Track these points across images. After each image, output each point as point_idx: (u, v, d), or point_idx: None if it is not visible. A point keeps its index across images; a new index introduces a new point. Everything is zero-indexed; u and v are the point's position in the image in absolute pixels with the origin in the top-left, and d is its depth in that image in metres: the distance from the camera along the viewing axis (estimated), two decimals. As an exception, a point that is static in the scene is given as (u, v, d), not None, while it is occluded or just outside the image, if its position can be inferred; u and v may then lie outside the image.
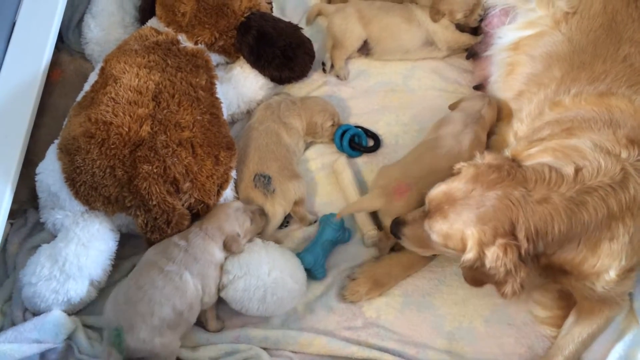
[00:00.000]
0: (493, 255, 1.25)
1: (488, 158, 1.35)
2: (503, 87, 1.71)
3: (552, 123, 1.47)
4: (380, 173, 1.63)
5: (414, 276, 1.59)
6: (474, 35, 1.89)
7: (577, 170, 1.30)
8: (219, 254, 1.43)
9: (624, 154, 1.34)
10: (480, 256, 1.27)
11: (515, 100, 1.66)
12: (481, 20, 1.86)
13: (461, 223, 1.29)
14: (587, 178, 1.30)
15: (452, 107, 1.76)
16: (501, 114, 1.73)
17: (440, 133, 1.66)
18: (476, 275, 1.33)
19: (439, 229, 1.33)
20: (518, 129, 1.58)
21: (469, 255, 1.28)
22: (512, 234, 1.25)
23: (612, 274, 1.32)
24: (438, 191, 1.36)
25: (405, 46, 1.89)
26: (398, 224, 1.46)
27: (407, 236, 1.44)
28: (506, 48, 1.72)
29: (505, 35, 1.74)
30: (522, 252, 1.25)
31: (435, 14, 1.86)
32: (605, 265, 1.31)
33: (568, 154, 1.34)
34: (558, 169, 1.30)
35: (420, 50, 1.90)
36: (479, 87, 1.84)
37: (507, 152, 1.46)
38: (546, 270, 1.33)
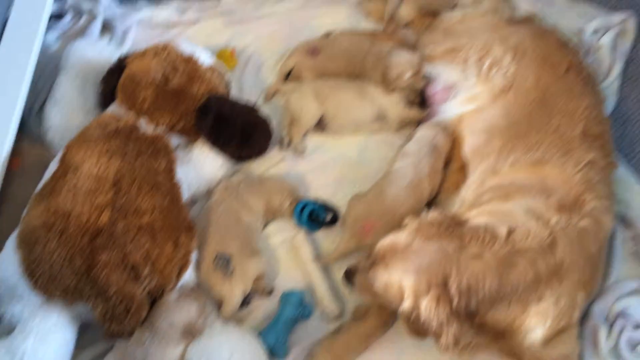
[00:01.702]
0: (426, 306, 1.31)
1: (432, 214, 1.43)
2: (450, 158, 1.80)
3: (492, 189, 1.57)
4: (347, 210, 1.73)
5: (374, 349, 1.61)
6: (421, 110, 1.99)
7: (510, 231, 1.39)
8: (178, 350, 1.43)
9: (553, 220, 1.43)
10: (416, 306, 1.33)
11: (461, 171, 1.74)
12: (426, 87, 1.97)
13: (400, 273, 1.36)
14: (517, 240, 1.38)
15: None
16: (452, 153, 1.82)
17: (398, 166, 1.77)
18: (416, 327, 1.37)
19: (380, 279, 1.40)
20: (465, 195, 1.66)
21: (406, 304, 1.34)
22: (446, 286, 1.31)
23: (539, 334, 1.38)
24: (384, 242, 1.43)
25: (359, 121, 1.97)
26: (349, 273, 1.52)
27: (358, 284, 1.50)
28: (450, 122, 1.82)
29: (449, 110, 1.85)
30: (454, 305, 1.30)
31: (389, 83, 1.95)
32: (532, 325, 1.38)
33: (502, 217, 1.43)
34: (492, 229, 1.38)
35: (373, 124, 1.98)
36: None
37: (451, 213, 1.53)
38: (482, 330, 1.37)
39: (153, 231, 1.50)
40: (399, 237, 1.41)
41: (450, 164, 1.80)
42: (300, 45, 2.10)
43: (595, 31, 2.19)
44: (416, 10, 2.17)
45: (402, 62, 1.95)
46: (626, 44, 2.18)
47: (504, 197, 1.49)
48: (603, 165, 1.63)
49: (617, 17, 2.22)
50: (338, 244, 1.72)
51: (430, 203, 1.81)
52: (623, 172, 1.91)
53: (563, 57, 1.80)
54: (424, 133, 1.83)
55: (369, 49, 2.06)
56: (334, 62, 2.06)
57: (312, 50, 2.08)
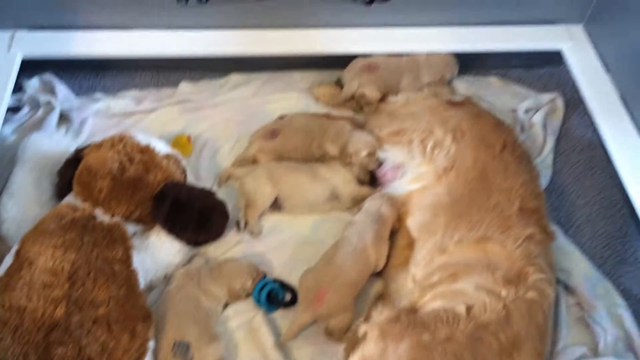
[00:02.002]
0: None
1: (384, 313, 1.46)
2: (400, 234, 1.87)
3: (440, 268, 1.63)
4: (299, 284, 1.78)
5: None
6: (372, 188, 2.08)
7: (468, 308, 1.45)
8: None
9: (503, 293, 1.51)
10: None
11: (410, 247, 1.81)
12: (379, 167, 2.07)
13: None
14: (477, 315, 1.44)
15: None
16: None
17: (345, 234, 1.85)
18: None
19: None
20: (415, 273, 1.72)
21: None
22: None
23: None
24: None
25: (313, 201, 2.05)
26: None
27: None
28: (399, 200, 1.91)
29: (398, 189, 1.95)
30: None
31: (345, 157, 2.05)
32: None
33: (456, 297, 1.50)
34: (451, 310, 1.44)
35: (327, 204, 2.06)
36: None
37: (404, 302, 1.58)
38: None
39: (109, 322, 1.50)
40: (368, 351, 1.41)
41: (399, 241, 1.87)
42: (257, 132, 2.20)
43: (527, 110, 2.38)
44: (380, 90, 2.31)
45: (361, 141, 2.06)
46: (556, 121, 2.37)
47: (453, 277, 1.56)
48: (541, 239, 1.73)
49: (546, 97, 2.42)
50: (294, 319, 1.74)
51: (380, 273, 1.88)
52: (563, 242, 2.03)
53: (498, 137, 1.93)
54: (370, 203, 1.92)
55: (327, 125, 2.17)
56: (293, 139, 2.15)
57: (271, 132, 2.17)
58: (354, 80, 2.31)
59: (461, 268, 1.59)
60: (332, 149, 2.10)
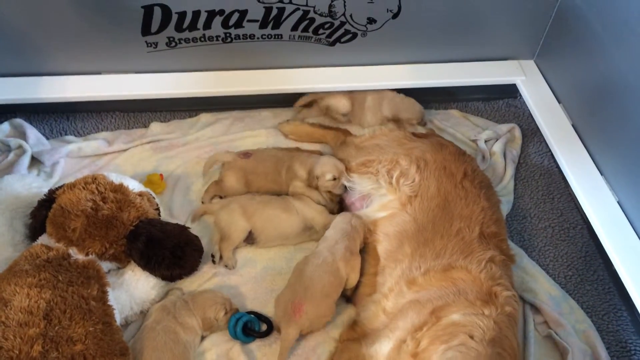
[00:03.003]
0: None
1: None
2: (367, 261, 1.93)
3: (414, 303, 1.67)
4: (276, 303, 1.83)
5: None
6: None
7: (471, 335, 1.51)
8: None
9: (486, 312, 1.56)
10: None
11: (379, 275, 1.86)
12: (345, 192, 2.15)
13: None
14: (482, 337, 1.50)
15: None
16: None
17: (317, 249, 1.92)
18: None
19: None
20: (385, 305, 1.76)
21: None
22: None
23: None
24: None
25: (286, 233, 2.10)
26: None
27: None
28: (368, 230, 1.97)
29: (366, 217, 2.01)
30: None
31: (311, 180, 2.11)
32: None
33: (452, 332, 1.53)
34: (461, 344, 1.48)
35: (299, 235, 2.11)
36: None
37: (407, 351, 1.57)
38: None
39: (86, 358, 1.50)
40: None
41: (369, 269, 1.92)
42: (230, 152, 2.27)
43: (487, 140, 2.50)
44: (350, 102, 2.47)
45: (328, 164, 2.14)
46: (515, 149, 2.49)
47: (435, 316, 1.59)
48: (501, 260, 1.81)
49: (504, 127, 2.55)
50: (282, 339, 1.78)
51: (351, 300, 1.93)
52: (527, 264, 2.11)
53: (459, 166, 2.02)
54: (340, 219, 2.01)
55: (297, 153, 2.27)
56: (264, 164, 2.22)
57: (244, 153, 2.25)
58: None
59: (436, 302, 1.63)
60: (300, 171, 2.17)
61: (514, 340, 1.60)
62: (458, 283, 1.67)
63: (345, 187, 2.15)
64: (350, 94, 2.49)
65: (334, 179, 2.11)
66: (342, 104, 2.48)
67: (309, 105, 2.56)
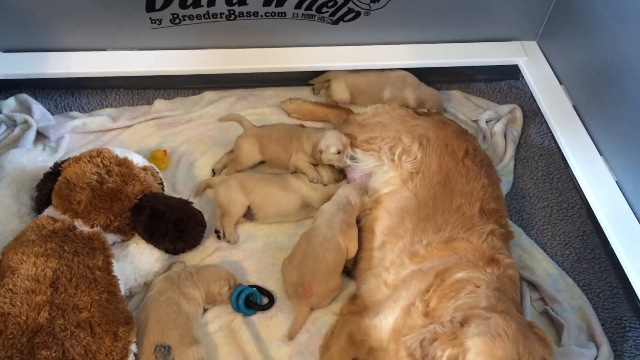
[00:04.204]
0: None
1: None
2: (369, 237, 1.95)
3: (416, 273, 1.70)
4: (284, 278, 1.89)
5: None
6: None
7: (477, 285, 1.55)
8: None
9: (489, 271, 1.60)
10: None
11: (380, 250, 1.89)
12: (348, 172, 2.17)
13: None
14: (488, 285, 1.56)
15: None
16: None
17: (316, 224, 1.96)
18: None
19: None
20: (387, 278, 1.79)
21: None
22: None
23: None
24: None
25: (285, 210, 2.12)
26: None
27: None
28: (368, 204, 2.00)
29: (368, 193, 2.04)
30: None
31: (316, 153, 2.13)
32: None
33: (459, 287, 1.57)
34: (470, 294, 1.53)
35: (298, 213, 2.14)
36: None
37: (418, 312, 1.58)
38: None
39: (91, 326, 1.54)
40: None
41: (368, 244, 1.94)
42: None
43: (488, 120, 2.51)
44: (348, 89, 2.49)
45: (332, 137, 2.16)
46: (516, 130, 2.50)
47: (440, 278, 1.62)
48: (502, 233, 1.84)
49: (506, 108, 2.56)
50: (295, 316, 1.84)
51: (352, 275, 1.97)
52: (525, 242, 2.14)
53: (461, 144, 2.04)
54: (340, 192, 2.05)
55: (306, 128, 2.31)
56: (277, 129, 2.28)
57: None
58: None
59: (440, 268, 1.66)
60: (307, 145, 2.19)
61: (516, 296, 1.64)
62: (460, 251, 1.70)
63: (351, 158, 2.14)
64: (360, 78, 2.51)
65: (338, 152, 2.13)
66: (342, 94, 2.51)
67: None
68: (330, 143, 2.14)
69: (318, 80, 2.60)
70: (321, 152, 2.14)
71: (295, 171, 2.22)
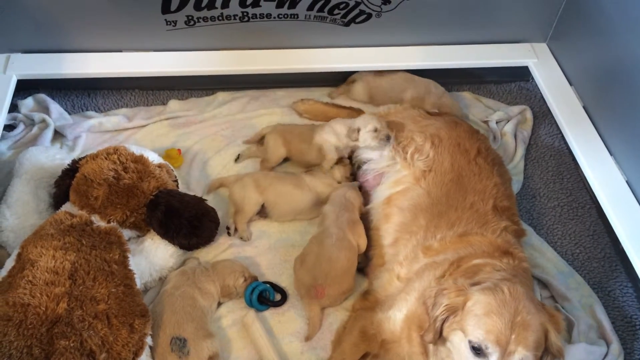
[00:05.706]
0: None
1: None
2: (382, 234, 1.97)
3: (430, 265, 1.72)
4: (297, 279, 1.91)
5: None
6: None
7: (496, 270, 1.58)
8: None
9: (504, 261, 1.62)
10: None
11: (392, 246, 1.91)
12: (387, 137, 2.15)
13: None
14: (502, 269, 1.58)
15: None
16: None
17: (323, 227, 1.98)
18: None
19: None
20: (399, 272, 1.81)
21: None
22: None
23: None
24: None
25: (298, 208, 2.15)
26: None
27: None
28: (381, 203, 2.03)
29: (380, 193, 2.07)
30: None
31: (351, 133, 2.15)
32: None
33: (476, 270, 1.59)
34: (490, 271, 1.56)
35: (312, 211, 2.16)
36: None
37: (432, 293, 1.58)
38: None
39: (109, 317, 1.57)
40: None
41: (380, 241, 1.96)
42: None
43: (499, 121, 2.53)
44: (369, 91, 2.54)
45: (369, 116, 2.19)
46: (526, 131, 2.52)
47: (456, 265, 1.64)
48: (515, 230, 1.86)
49: (516, 109, 2.58)
50: (309, 318, 1.86)
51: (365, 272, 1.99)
52: (536, 241, 2.15)
53: (473, 143, 2.07)
54: (335, 193, 2.08)
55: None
56: (300, 126, 2.35)
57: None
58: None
59: (454, 259, 1.67)
60: (340, 127, 2.21)
61: (531, 287, 1.66)
62: (475, 244, 1.72)
63: (388, 138, 2.12)
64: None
65: (375, 130, 2.14)
66: (362, 95, 2.58)
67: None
68: (368, 121, 2.16)
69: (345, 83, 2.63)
70: (358, 130, 2.15)
71: (310, 167, 2.26)
